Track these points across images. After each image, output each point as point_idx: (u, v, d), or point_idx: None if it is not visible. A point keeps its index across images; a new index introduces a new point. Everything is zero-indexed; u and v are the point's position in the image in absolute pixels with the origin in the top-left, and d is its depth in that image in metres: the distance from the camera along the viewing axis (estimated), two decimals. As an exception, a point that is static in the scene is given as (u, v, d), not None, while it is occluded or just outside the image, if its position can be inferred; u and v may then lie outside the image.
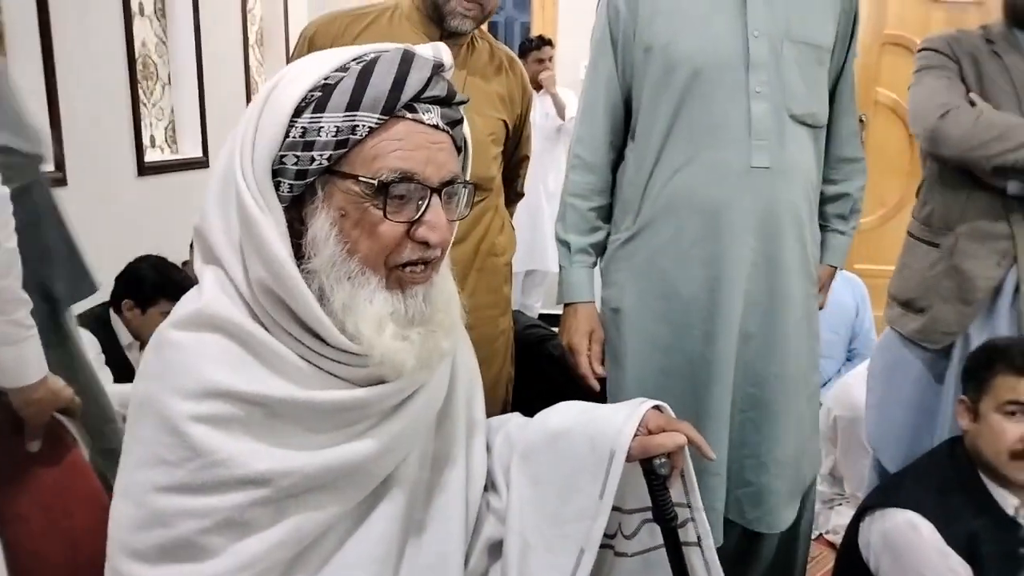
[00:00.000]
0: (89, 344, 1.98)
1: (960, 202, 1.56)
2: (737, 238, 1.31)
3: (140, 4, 2.69)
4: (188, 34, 2.95)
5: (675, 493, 0.91)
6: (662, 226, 1.35)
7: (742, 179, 1.29)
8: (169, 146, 2.93)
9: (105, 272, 2.09)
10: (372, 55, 0.75)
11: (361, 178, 0.72)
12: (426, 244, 0.75)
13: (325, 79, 0.73)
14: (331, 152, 0.72)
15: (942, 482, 1.38)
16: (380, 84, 0.72)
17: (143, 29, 2.72)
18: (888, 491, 1.46)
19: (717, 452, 1.31)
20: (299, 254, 0.74)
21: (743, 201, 1.30)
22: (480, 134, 1.43)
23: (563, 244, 1.46)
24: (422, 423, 0.86)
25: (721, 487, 1.36)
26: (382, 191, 0.72)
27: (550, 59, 3.67)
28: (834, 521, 2.21)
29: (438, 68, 0.76)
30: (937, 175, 1.62)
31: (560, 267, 1.48)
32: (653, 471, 0.88)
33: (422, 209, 0.74)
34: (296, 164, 0.73)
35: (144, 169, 2.67)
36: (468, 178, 0.84)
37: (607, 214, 1.46)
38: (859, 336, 2.72)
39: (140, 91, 2.68)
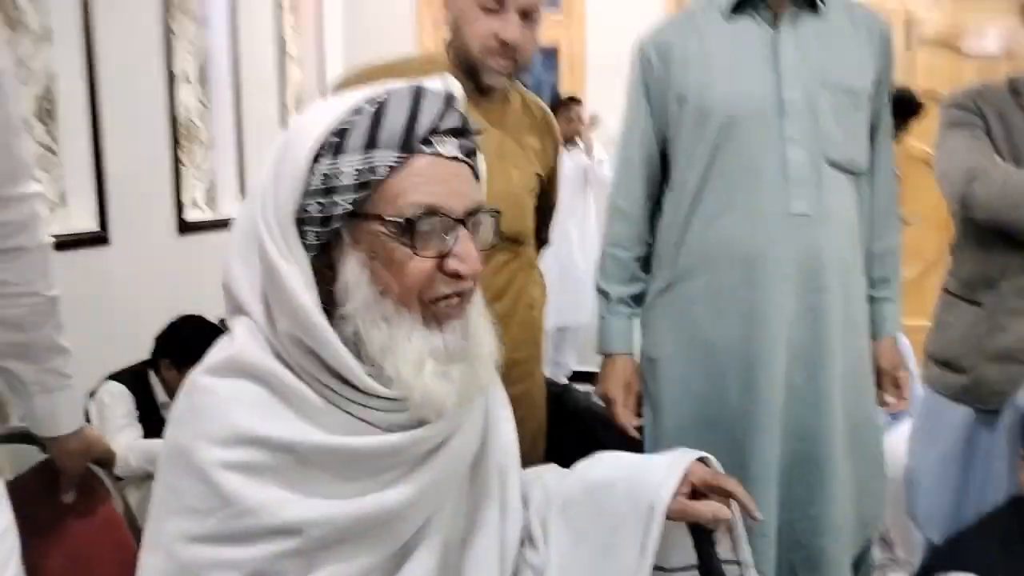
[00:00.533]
0: (122, 399, 2.00)
1: (998, 260, 1.52)
2: (776, 287, 1.27)
3: (184, 70, 2.80)
4: (228, 99, 3.06)
5: (723, 550, 0.87)
6: (698, 275, 1.33)
7: (781, 226, 1.27)
8: (209, 206, 3.01)
9: (145, 328, 2.14)
10: (383, 95, 0.75)
11: (386, 218, 0.72)
12: (458, 276, 0.75)
13: (341, 123, 0.73)
14: (353, 196, 0.72)
15: (1006, 538, 1.31)
16: (395, 121, 0.72)
17: (186, 94, 2.82)
18: (950, 552, 1.38)
19: (764, 511, 1.24)
20: (332, 301, 0.74)
21: (782, 249, 1.27)
22: (518, 188, 1.43)
23: (602, 294, 1.45)
24: (456, 470, 0.83)
25: (770, 550, 1.29)
26: (408, 228, 0.71)
27: (579, 118, 3.73)
28: (888, 587, 2.10)
29: (450, 100, 0.77)
30: (972, 233, 1.58)
31: (600, 316, 1.47)
32: (699, 525, 0.85)
33: (451, 242, 0.74)
34: (320, 211, 0.72)
35: (184, 228, 2.74)
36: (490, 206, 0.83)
37: (647, 264, 1.44)
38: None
39: (182, 153, 2.77)
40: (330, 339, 0.72)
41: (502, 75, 1.37)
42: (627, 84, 1.43)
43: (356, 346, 0.73)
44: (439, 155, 0.74)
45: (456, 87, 0.79)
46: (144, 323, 2.15)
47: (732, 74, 1.30)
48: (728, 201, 1.29)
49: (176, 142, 2.69)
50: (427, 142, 0.74)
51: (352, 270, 0.73)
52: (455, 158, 0.76)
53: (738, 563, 0.88)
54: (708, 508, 0.82)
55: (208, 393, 0.73)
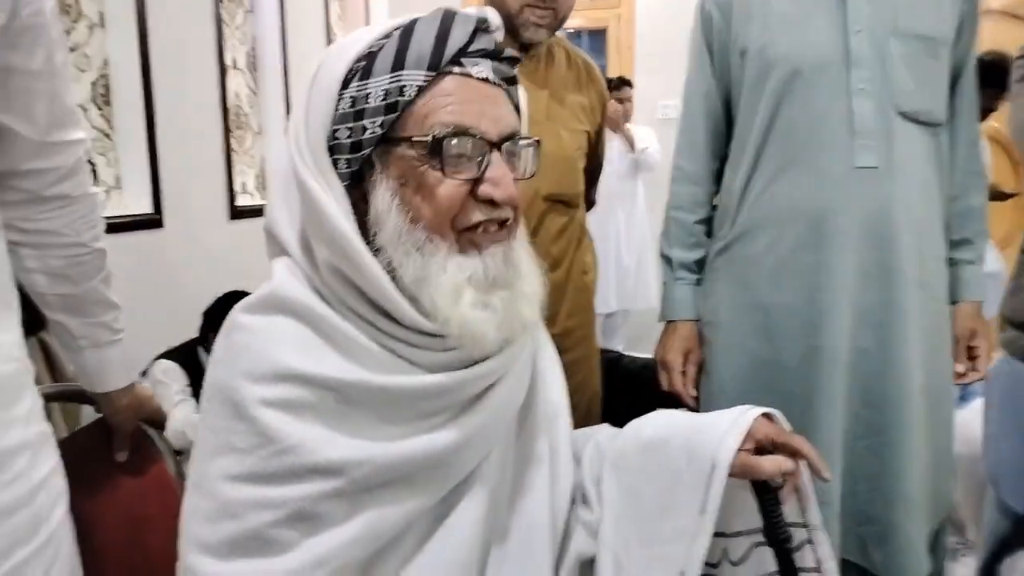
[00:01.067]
0: (176, 374, 2.03)
1: None
2: (843, 246, 1.21)
3: (234, 58, 2.84)
4: (277, 86, 3.10)
5: (789, 511, 0.82)
6: (760, 234, 1.27)
7: (846, 182, 1.20)
8: (259, 191, 3.05)
9: (197, 309, 2.17)
10: (412, 20, 0.73)
11: (415, 138, 0.69)
12: (492, 203, 0.71)
13: (369, 48, 0.71)
14: (382, 118, 0.69)
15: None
16: (423, 41, 0.70)
17: (236, 81, 2.86)
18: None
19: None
20: (366, 235, 0.71)
21: (848, 205, 1.21)
22: (569, 149, 1.40)
23: (666, 260, 1.39)
24: (504, 417, 0.80)
25: (834, 520, 1.23)
26: (437, 150, 0.69)
27: (629, 99, 3.67)
28: (960, 574, 1.99)
29: (482, 23, 0.74)
30: None
31: (663, 283, 1.42)
32: (764, 484, 0.80)
33: (483, 166, 0.70)
34: (350, 136, 0.70)
35: (235, 213, 2.77)
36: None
37: (711, 229, 1.39)
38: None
39: (232, 140, 2.81)
40: (369, 264, 0.69)
41: (541, 27, 1.34)
42: (690, 41, 1.38)
43: (393, 280, 0.71)
44: (469, 76, 0.71)
45: (491, 13, 0.76)
46: (196, 304, 2.19)
47: (795, 26, 1.24)
48: (791, 157, 1.24)
49: (227, 129, 2.73)
50: (457, 62, 0.71)
51: (383, 198, 0.70)
52: (486, 79, 0.72)
53: (806, 526, 0.82)
54: (774, 463, 0.76)
55: (247, 331, 0.71)
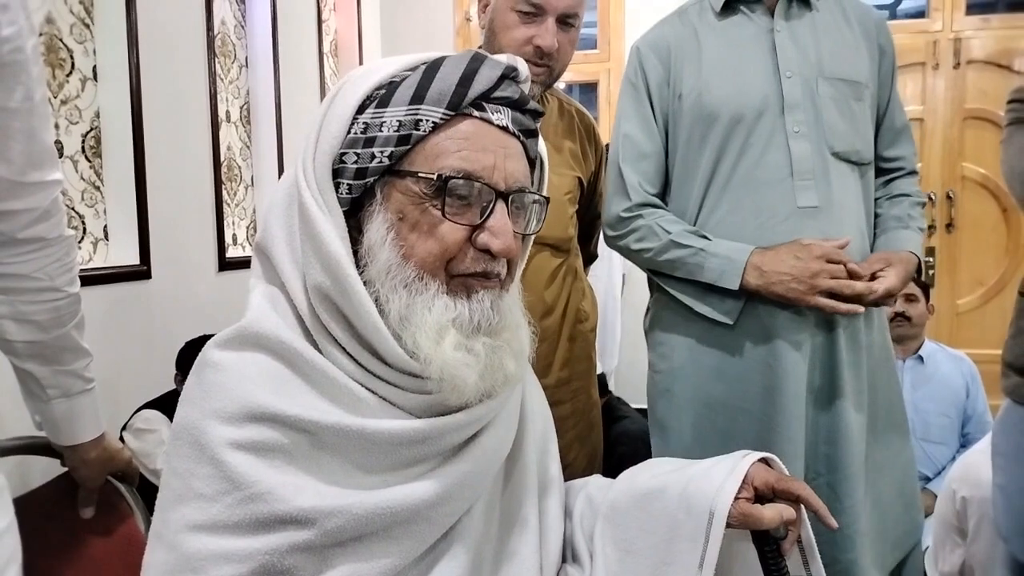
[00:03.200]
0: (160, 421, 1.98)
1: None
2: None
3: (227, 111, 2.86)
4: (271, 139, 3.11)
5: (792, 565, 0.77)
6: None
7: (790, 221, 1.23)
8: (249, 244, 3.03)
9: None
10: (442, 57, 0.71)
11: (421, 175, 0.67)
12: (489, 253, 0.69)
13: (392, 77, 0.70)
14: (392, 149, 0.67)
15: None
16: (447, 79, 0.68)
17: (229, 134, 2.87)
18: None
19: None
20: (357, 265, 0.69)
21: None
22: (557, 193, 1.39)
23: (686, 234, 1.27)
24: (488, 468, 0.76)
25: None
26: (442, 190, 0.66)
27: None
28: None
29: (511, 71, 0.72)
30: None
31: (701, 254, 1.24)
32: (766, 535, 0.75)
33: (486, 214, 0.68)
34: (356, 162, 0.68)
35: (225, 265, 2.75)
36: (543, 193, 0.78)
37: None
38: (972, 419, 2.46)
39: (224, 192, 2.81)
40: (358, 291, 0.67)
41: (536, 83, 1.34)
42: (624, 88, 1.37)
43: (381, 316, 0.68)
44: (489, 122, 0.70)
45: (522, 64, 0.74)
46: (182, 355, 2.14)
47: (732, 73, 1.27)
48: (735, 200, 1.26)
49: (218, 181, 2.73)
50: (479, 107, 0.69)
51: (378, 230, 0.68)
52: (506, 129, 0.70)
53: (810, 579, 0.78)
54: (775, 512, 0.72)
55: (218, 368, 0.67)
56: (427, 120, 0.67)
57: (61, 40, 2.11)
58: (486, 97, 0.69)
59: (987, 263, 3.51)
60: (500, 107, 0.70)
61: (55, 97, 2.10)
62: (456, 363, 0.67)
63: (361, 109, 0.69)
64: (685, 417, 1.29)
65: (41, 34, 2.00)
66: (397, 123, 0.68)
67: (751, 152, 1.24)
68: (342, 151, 0.69)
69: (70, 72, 2.16)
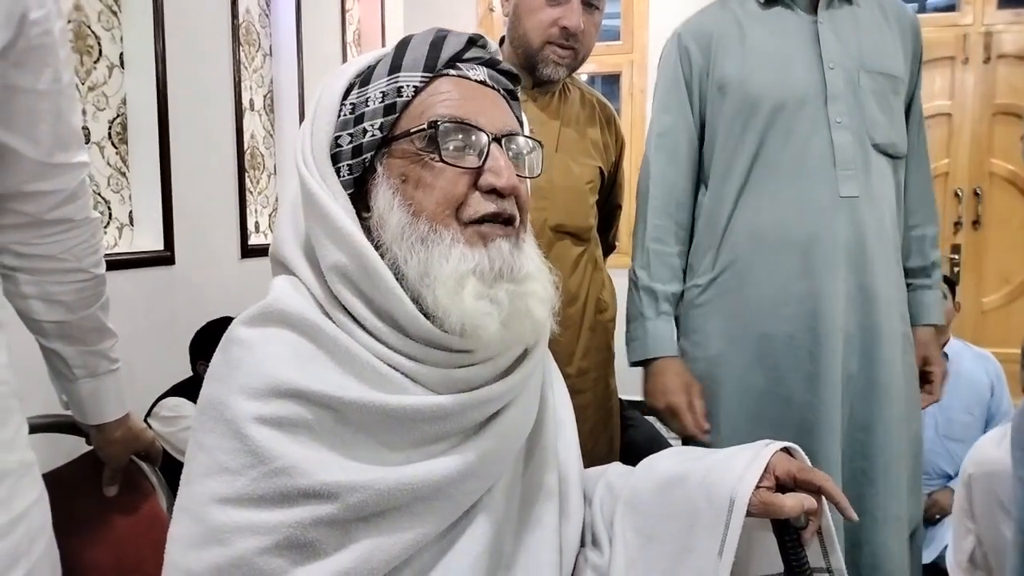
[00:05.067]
0: (184, 406, 2.02)
1: None
2: (831, 271, 1.23)
3: (251, 100, 2.88)
4: (294, 128, 3.12)
5: (812, 555, 0.76)
6: (751, 264, 1.27)
7: (832, 210, 1.24)
8: (271, 231, 3.05)
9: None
10: (408, 35, 0.76)
11: (412, 130, 0.69)
12: (495, 192, 0.69)
13: (368, 64, 0.74)
14: (381, 120, 0.70)
15: None
16: (419, 47, 0.72)
17: (252, 122, 2.89)
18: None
19: (831, 513, 1.16)
20: (369, 239, 0.70)
21: (833, 233, 1.24)
22: (579, 182, 1.39)
23: (648, 293, 1.35)
24: (510, 446, 0.76)
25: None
26: (435, 138, 0.68)
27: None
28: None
29: (477, 37, 0.75)
30: None
31: (641, 320, 1.35)
32: (786, 524, 0.74)
33: (484, 156, 0.70)
34: (351, 141, 0.71)
35: (247, 252, 2.77)
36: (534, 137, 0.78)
37: (685, 263, 1.38)
38: (996, 417, 2.43)
39: (247, 180, 2.83)
40: (374, 262, 0.68)
41: (561, 65, 1.34)
42: (662, 74, 1.39)
43: (399, 282, 0.69)
44: (466, 78, 0.73)
45: (487, 37, 0.78)
46: (205, 341, 2.16)
47: (775, 62, 1.28)
48: (776, 188, 1.26)
49: (242, 169, 2.75)
50: (453, 66, 0.73)
51: (384, 197, 0.70)
52: (484, 83, 0.73)
53: (830, 571, 0.77)
54: (796, 501, 0.72)
55: (244, 344, 0.68)
56: (408, 85, 0.70)
57: (89, 27, 2.13)
58: (459, 58, 0.73)
59: (1013, 261, 3.45)
60: (474, 65, 0.74)
61: (83, 84, 2.13)
62: (476, 312, 0.66)
63: (346, 95, 0.73)
64: (723, 406, 1.29)
65: (69, 21, 2.03)
66: (381, 94, 0.71)
67: (794, 141, 1.26)
68: (336, 135, 0.72)
69: (97, 59, 2.18)
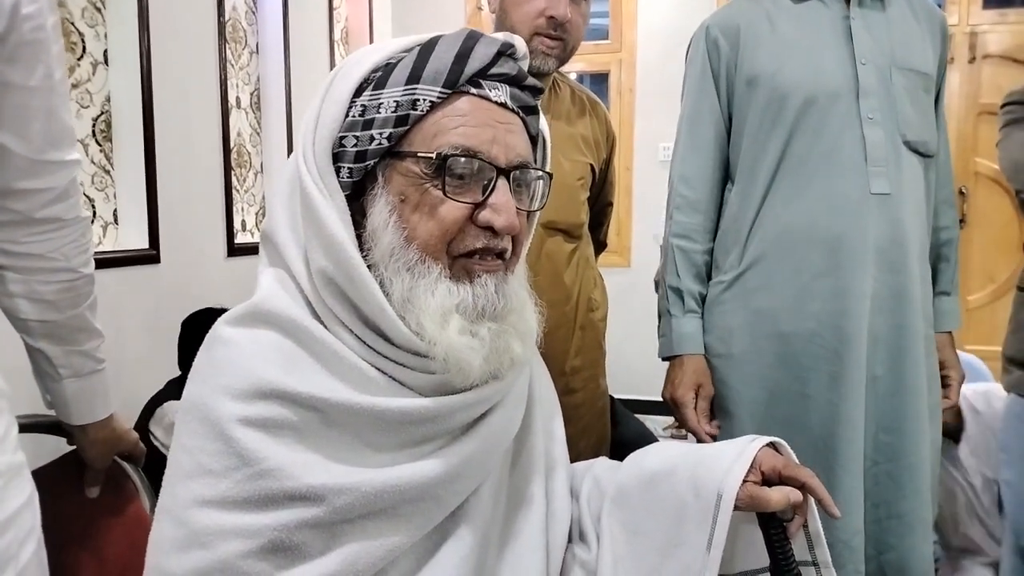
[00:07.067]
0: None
1: None
2: (860, 270, 1.21)
3: (237, 98, 2.86)
4: (280, 126, 3.11)
5: (797, 548, 0.77)
6: (777, 261, 1.25)
7: (862, 207, 1.22)
8: (258, 230, 3.03)
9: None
10: (436, 37, 0.71)
11: (420, 154, 0.67)
12: (491, 230, 0.68)
13: (388, 59, 0.70)
14: (391, 130, 0.67)
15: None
16: (443, 57, 0.68)
17: (239, 120, 2.87)
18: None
19: (854, 512, 1.16)
20: (362, 249, 0.69)
21: (863, 230, 1.21)
22: (569, 178, 1.38)
23: (675, 292, 1.34)
24: (496, 448, 0.76)
25: (861, 550, 1.20)
26: (442, 169, 0.66)
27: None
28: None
29: (507, 47, 0.72)
30: None
31: (668, 318, 1.35)
32: (772, 518, 0.75)
33: (487, 191, 0.68)
34: (356, 145, 0.68)
35: (233, 251, 2.75)
36: (546, 169, 0.77)
37: (711, 260, 1.36)
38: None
39: (234, 178, 2.81)
40: (363, 275, 0.66)
41: (550, 56, 1.33)
42: (690, 68, 1.37)
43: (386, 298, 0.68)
44: (487, 99, 0.69)
45: (519, 41, 0.74)
46: (190, 340, 2.14)
47: (807, 56, 1.26)
48: (805, 183, 1.24)
49: (228, 167, 2.73)
50: (475, 83, 0.69)
51: (380, 212, 0.68)
52: (504, 105, 0.70)
53: (815, 564, 0.77)
54: (782, 494, 0.72)
55: (228, 344, 0.67)
56: (424, 99, 0.67)
57: (73, 24, 2.11)
58: (483, 74, 0.69)
59: (998, 259, 3.48)
60: (497, 83, 0.70)
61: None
62: (461, 347, 0.66)
63: (359, 92, 0.69)
64: (745, 403, 1.28)
65: (53, 17, 2.00)
66: (394, 104, 0.67)
67: (825, 135, 1.24)
68: (341, 134, 0.69)
69: (81, 56, 2.16)
